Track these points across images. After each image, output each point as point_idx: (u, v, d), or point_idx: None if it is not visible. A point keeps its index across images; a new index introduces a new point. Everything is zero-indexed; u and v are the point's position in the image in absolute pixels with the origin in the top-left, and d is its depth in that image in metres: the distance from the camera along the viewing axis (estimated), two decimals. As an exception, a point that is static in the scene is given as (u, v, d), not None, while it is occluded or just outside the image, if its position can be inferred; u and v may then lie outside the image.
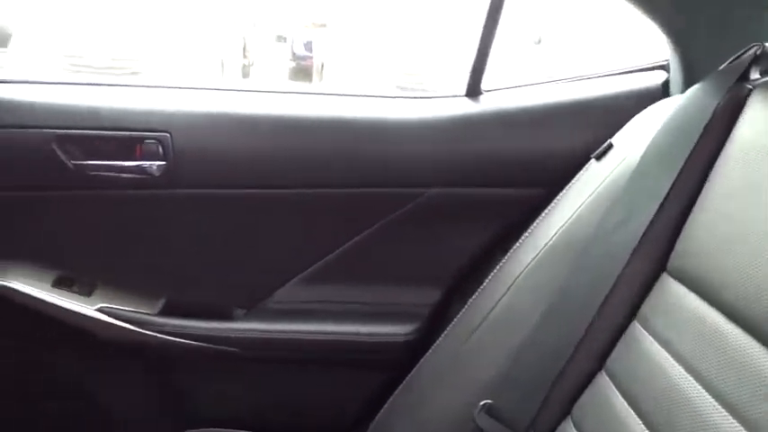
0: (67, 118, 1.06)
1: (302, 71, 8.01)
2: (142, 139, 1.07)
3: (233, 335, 1.14)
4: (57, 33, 4.48)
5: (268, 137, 1.11)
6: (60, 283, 1.11)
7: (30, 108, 1.07)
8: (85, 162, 1.06)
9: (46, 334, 1.12)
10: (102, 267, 1.13)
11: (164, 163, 1.07)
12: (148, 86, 1.15)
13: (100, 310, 1.10)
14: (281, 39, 10.28)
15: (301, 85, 4.65)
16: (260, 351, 1.16)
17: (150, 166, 1.08)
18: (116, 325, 1.10)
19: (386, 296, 1.19)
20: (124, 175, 1.07)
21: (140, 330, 1.11)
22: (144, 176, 1.08)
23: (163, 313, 1.15)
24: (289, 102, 1.17)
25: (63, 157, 1.05)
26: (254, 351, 1.16)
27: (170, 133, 1.07)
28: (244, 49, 7.28)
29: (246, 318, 1.17)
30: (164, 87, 1.14)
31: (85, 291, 1.12)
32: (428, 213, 1.14)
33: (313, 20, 7.09)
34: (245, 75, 7.34)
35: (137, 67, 4.83)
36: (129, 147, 1.07)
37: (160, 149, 1.07)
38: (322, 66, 6.04)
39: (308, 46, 7.95)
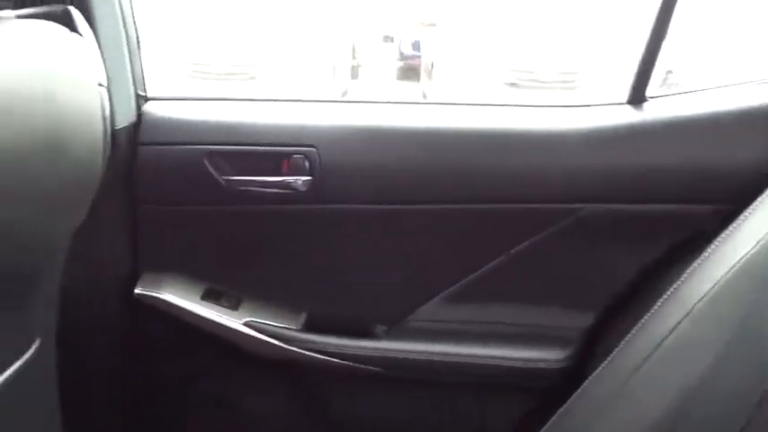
0: (218, 134, 1.08)
1: (410, 70, 8.02)
2: (290, 154, 1.06)
3: (375, 354, 1.12)
4: (183, 43, 4.73)
5: (414, 150, 1.07)
6: (209, 296, 1.13)
7: (182, 125, 1.09)
8: (235, 177, 1.07)
9: (195, 345, 1.15)
10: (248, 281, 1.13)
11: (309, 178, 1.06)
12: (296, 101, 1.14)
13: (247, 324, 1.11)
14: (387, 39, 10.37)
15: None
16: (403, 371, 1.13)
17: (296, 181, 1.07)
18: (262, 340, 1.10)
19: (535, 318, 1.12)
20: (271, 191, 1.07)
21: (285, 346, 1.11)
22: (290, 192, 1.07)
23: (305, 328, 1.14)
24: (435, 113, 1.12)
25: (214, 172, 1.06)
26: (396, 371, 1.13)
27: (316, 148, 1.05)
28: (353, 50, 7.39)
29: (388, 336, 1.13)
30: (310, 101, 1.14)
31: (233, 304, 1.13)
32: (584, 231, 1.06)
33: (422, 19, 7.07)
34: (354, 75, 7.45)
35: (254, 72, 5.02)
36: (276, 162, 1.07)
37: (306, 164, 1.06)
38: (432, 65, 5.99)
39: (416, 45, 7.96)
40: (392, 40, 9.65)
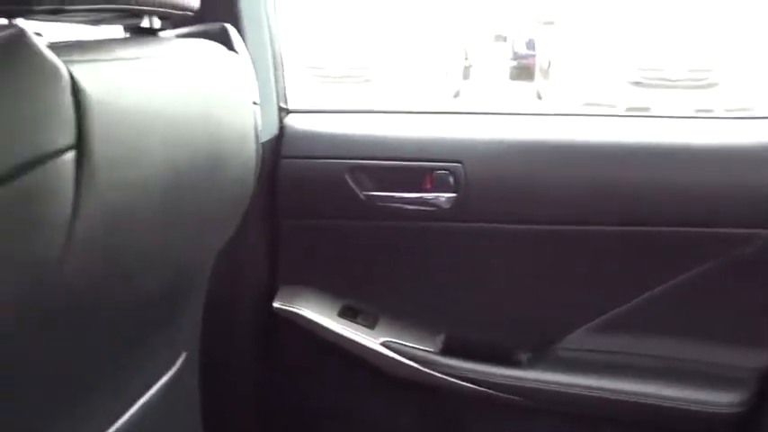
0: (360, 148, 1.05)
1: (524, 70, 7.82)
2: (433, 169, 1.02)
3: (517, 383, 1.04)
4: (300, 47, 4.83)
5: (570, 167, 0.99)
6: (346, 313, 1.10)
7: (324, 138, 1.07)
8: (376, 193, 1.04)
9: (330, 360, 1.12)
10: (385, 299, 1.10)
11: (454, 195, 1.01)
12: (441, 113, 1.09)
13: (384, 344, 1.07)
14: (499, 38, 10.18)
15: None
16: (546, 403, 1.05)
17: (439, 197, 1.02)
18: (399, 361, 1.06)
19: (704, 355, 1.00)
20: (413, 207, 1.03)
21: (422, 369, 1.06)
22: (433, 208, 1.02)
23: (444, 351, 1.08)
24: (596, 126, 1.04)
25: (355, 187, 1.03)
26: (539, 402, 1.05)
27: (462, 163, 1.00)
28: (465, 50, 7.30)
29: (532, 364, 1.06)
30: (456, 114, 1.08)
31: (369, 322, 1.10)
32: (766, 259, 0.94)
33: (538, 17, 6.85)
34: (466, 76, 7.36)
35: (369, 75, 5.05)
36: (419, 177, 1.03)
37: (451, 180, 1.01)
38: (549, 64, 5.78)
39: (530, 44, 7.74)
40: (504, 40, 9.45)
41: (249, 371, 1.15)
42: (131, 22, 0.72)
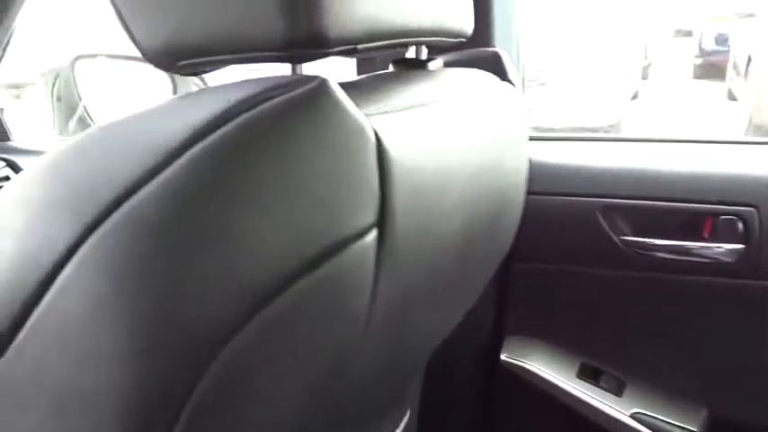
0: (615, 183, 0.89)
1: (712, 68, 7.08)
2: (715, 213, 0.83)
3: None
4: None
5: None
6: (585, 373, 0.95)
7: (569, 171, 0.92)
8: (635, 239, 0.87)
9: (563, 425, 0.98)
10: (636, 363, 0.93)
11: (742, 246, 0.82)
12: (721, 142, 0.90)
13: (634, 416, 0.91)
14: (680, 33, 9.35)
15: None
16: None
17: (720, 248, 0.83)
18: None
19: None
20: (684, 258, 0.86)
21: (682, 450, 0.89)
22: (709, 261, 0.84)
23: (708, 430, 0.90)
24: None
25: (608, 230, 0.88)
26: None
27: (757, 208, 0.81)
28: (644, 48, 6.77)
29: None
30: (744, 143, 0.89)
31: (615, 388, 0.94)
32: None
33: (735, 9, 6.16)
34: (645, 76, 6.82)
35: (543, 78, 4.80)
36: (692, 223, 0.85)
37: (740, 228, 0.82)
38: (749, 60, 5.15)
39: (720, 39, 6.99)
40: (686, 35, 8.67)
41: (473, 426, 1.04)
42: (394, 52, 0.63)
